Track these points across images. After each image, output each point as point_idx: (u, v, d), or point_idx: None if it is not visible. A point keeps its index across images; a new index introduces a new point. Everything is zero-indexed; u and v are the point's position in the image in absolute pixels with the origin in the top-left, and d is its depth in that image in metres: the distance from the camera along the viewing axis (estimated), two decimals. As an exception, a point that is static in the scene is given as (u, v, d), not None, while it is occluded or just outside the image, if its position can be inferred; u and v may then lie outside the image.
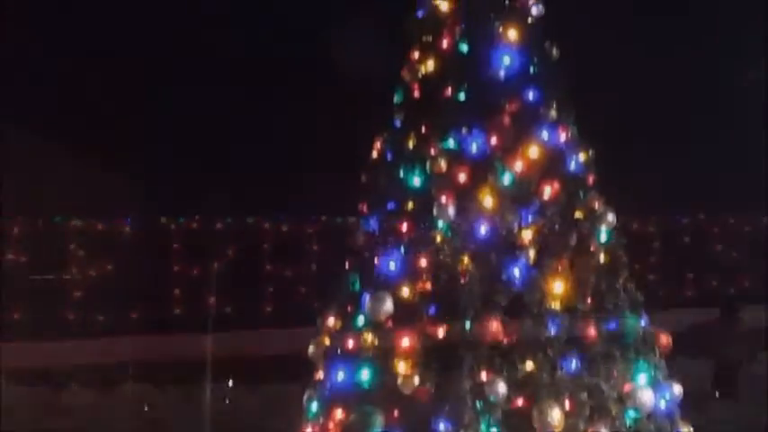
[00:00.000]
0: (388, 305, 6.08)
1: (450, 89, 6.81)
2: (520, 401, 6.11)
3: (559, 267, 6.39)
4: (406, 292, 6.22)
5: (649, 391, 6.34)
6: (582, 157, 6.87)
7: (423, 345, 6.10)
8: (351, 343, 6.37)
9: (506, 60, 6.86)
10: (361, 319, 6.35)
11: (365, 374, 6.18)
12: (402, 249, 6.40)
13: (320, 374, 6.68)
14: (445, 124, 6.68)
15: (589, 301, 6.42)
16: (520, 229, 6.43)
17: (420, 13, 7.23)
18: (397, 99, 7.11)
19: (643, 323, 6.59)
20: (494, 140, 6.61)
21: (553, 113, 6.83)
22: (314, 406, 6.60)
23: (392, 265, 6.33)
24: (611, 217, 6.67)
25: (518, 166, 6.57)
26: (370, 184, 6.91)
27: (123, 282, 10.32)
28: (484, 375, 6.03)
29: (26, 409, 8.73)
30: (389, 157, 6.92)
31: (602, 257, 6.61)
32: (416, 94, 7.01)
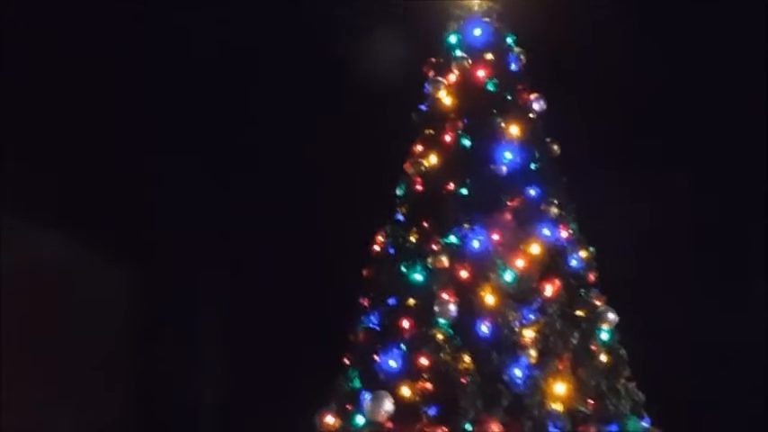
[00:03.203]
0: (389, 405, 5.98)
1: (452, 184, 6.85)
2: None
3: (561, 367, 6.35)
4: (406, 391, 6.14)
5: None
6: (583, 254, 6.88)
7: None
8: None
9: (508, 156, 6.92)
10: (360, 419, 6.24)
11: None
12: (403, 347, 6.34)
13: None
14: (447, 219, 6.69)
15: (591, 402, 6.36)
16: (521, 327, 6.40)
17: (423, 107, 7.32)
18: (399, 192, 7.15)
19: (645, 424, 6.52)
20: (495, 237, 6.62)
21: (554, 210, 6.85)
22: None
23: (393, 363, 6.28)
24: (612, 316, 6.64)
25: (519, 263, 6.57)
26: (371, 279, 6.89)
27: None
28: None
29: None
30: (391, 251, 6.91)
31: (603, 357, 6.57)
32: (419, 187, 7.04)
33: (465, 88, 7.17)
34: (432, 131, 7.15)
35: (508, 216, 6.72)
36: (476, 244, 6.56)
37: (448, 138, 7.07)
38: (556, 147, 7.18)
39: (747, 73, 8.63)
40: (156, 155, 8.58)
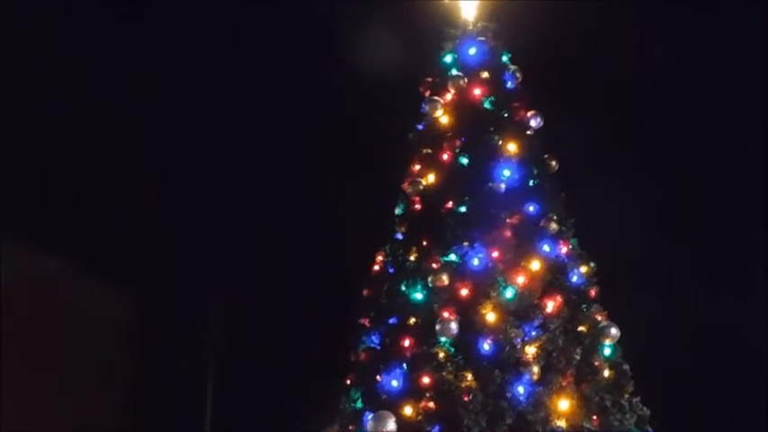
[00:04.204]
0: (392, 425, 5.95)
1: (451, 202, 6.85)
2: None
3: (564, 383, 6.32)
4: (408, 410, 6.12)
5: None
6: (583, 269, 6.87)
7: (426, 465, 5.98)
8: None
9: (506, 173, 6.93)
10: (363, 439, 6.23)
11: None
12: (404, 366, 6.32)
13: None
14: (447, 238, 6.69)
15: (595, 418, 6.32)
16: (523, 344, 6.38)
17: (420, 126, 7.34)
18: (398, 211, 7.14)
19: (650, 439, 6.49)
20: (495, 254, 6.61)
21: (554, 226, 6.84)
22: None
23: (395, 383, 6.26)
24: (614, 330, 6.61)
25: (520, 279, 6.55)
26: (372, 298, 6.88)
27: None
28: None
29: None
30: (391, 270, 6.90)
31: (606, 372, 6.54)
32: (418, 206, 7.04)
33: (461, 107, 7.20)
34: (429, 150, 7.17)
35: (508, 233, 6.71)
36: (476, 261, 6.56)
37: (445, 156, 7.09)
38: (554, 163, 7.19)
39: (747, 79, 8.63)
40: (156, 161, 8.62)
